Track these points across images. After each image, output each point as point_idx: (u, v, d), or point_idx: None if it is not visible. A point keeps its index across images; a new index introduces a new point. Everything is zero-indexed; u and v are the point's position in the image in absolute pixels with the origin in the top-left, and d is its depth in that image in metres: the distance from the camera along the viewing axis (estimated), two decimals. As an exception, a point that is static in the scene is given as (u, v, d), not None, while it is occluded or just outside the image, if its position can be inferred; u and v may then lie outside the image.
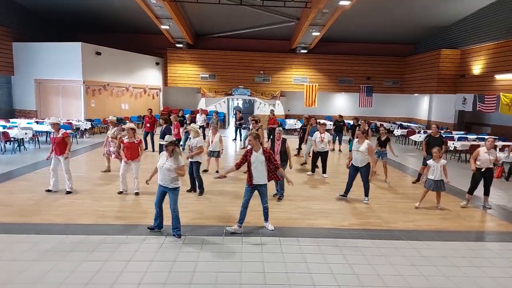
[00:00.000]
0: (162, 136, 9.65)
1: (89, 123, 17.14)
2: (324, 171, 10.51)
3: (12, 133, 12.60)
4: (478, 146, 13.20)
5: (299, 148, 13.85)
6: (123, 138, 8.21)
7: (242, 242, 5.66)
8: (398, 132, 18.88)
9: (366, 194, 8.00)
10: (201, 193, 8.23)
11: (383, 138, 10.01)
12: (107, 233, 5.87)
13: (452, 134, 16.84)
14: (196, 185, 8.28)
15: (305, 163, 11.88)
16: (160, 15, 17.19)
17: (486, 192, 7.92)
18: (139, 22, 20.45)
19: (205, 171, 10.11)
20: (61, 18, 20.62)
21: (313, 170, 10.69)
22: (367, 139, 7.95)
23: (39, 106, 18.43)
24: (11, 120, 16.02)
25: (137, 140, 8.02)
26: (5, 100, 18.57)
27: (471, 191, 7.94)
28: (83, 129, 16.57)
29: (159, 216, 5.91)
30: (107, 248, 5.31)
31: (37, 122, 15.55)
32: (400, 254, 5.41)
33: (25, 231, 5.84)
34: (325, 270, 4.85)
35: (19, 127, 13.63)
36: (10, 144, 12.89)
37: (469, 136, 15.66)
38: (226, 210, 7.18)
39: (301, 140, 13.44)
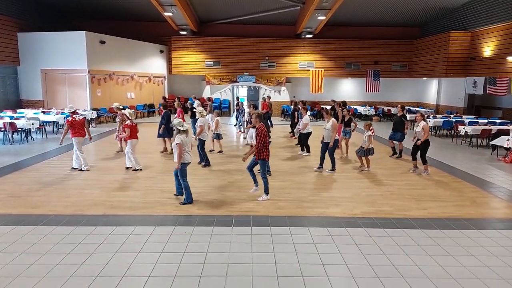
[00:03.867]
0: (161, 122, 10.94)
1: (95, 112, 17.08)
2: (302, 149, 11.70)
3: (19, 123, 12.58)
4: (490, 130, 12.99)
5: (292, 132, 14.83)
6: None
7: (251, 233, 5.57)
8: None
9: (332, 167, 9.30)
10: (205, 165, 9.70)
11: (346, 119, 11.22)
12: (116, 224, 5.82)
13: (462, 118, 16.51)
14: (204, 161, 9.71)
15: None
16: (163, 1, 16.88)
17: (422, 160, 9.19)
18: (142, 9, 20.14)
19: (220, 151, 11.54)
20: (64, 6, 20.38)
21: (303, 149, 11.66)
22: (332, 117, 9.33)
23: (46, 96, 18.37)
24: (18, 110, 16.00)
25: (125, 124, 9.18)
26: (12, 90, 18.52)
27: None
28: (89, 119, 16.52)
29: (178, 185, 7.04)
30: (116, 240, 5.26)
31: (43, 112, 15.53)
32: (415, 243, 5.28)
33: (33, 222, 5.82)
34: (338, 261, 4.75)
35: (26, 118, 13.61)
36: (17, 134, 12.90)
37: (480, 120, 15.35)
38: (233, 199, 7.10)
39: (293, 124, 14.51)
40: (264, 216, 6.22)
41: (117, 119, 11.09)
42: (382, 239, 5.39)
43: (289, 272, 4.47)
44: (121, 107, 11.06)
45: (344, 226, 5.87)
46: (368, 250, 5.06)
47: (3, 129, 12.38)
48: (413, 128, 9.82)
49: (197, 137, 9.41)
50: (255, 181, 7.23)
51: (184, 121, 7.15)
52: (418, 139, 9.08)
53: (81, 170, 9.04)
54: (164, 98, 14.81)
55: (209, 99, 17.14)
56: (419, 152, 9.21)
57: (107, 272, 4.42)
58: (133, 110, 20.32)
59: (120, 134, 10.94)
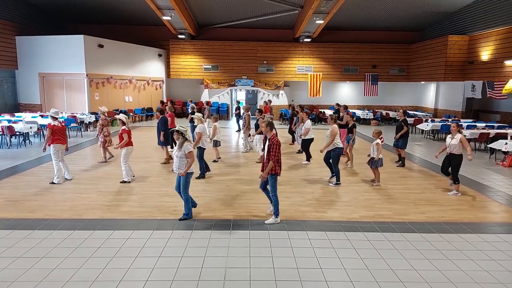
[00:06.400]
0: (159, 129, 10.28)
1: (93, 116, 17.06)
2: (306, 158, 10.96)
3: (17, 127, 12.55)
4: (488, 134, 13.03)
5: (293, 137, 14.22)
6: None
7: (249, 237, 5.55)
8: (405, 121, 18.53)
9: (337, 179, 8.43)
10: (200, 176, 8.83)
11: (350, 125, 10.47)
12: (113, 228, 5.80)
13: (460, 122, 16.55)
14: (204, 171, 8.99)
15: (301, 151, 11.91)
16: (161, 5, 16.93)
17: (453, 179, 7.95)
18: (140, 13, 20.20)
19: (214, 161, 10.75)
20: (62, 10, 20.40)
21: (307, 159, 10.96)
22: (336, 123, 8.62)
23: (44, 100, 18.35)
24: (16, 114, 15.98)
25: (123, 130, 8.42)
26: (9, 94, 18.51)
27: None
28: (87, 122, 16.51)
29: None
30: (114, 244, 5.23)
31: (41, 116, 15.50)
32: (413, 247, 5.27)
33: (30, 227, 5.79)
34: (336, 265, 4.74)
35: (24, 121, 13.59)
36: (15, 138, 12.88)
37: (478, 124, 15.39)
38: (232, 202, 7.09)
39: (291, 130, 13.98)
40: (262, 220, 6.19)
41: (99, 124, 10.36)
42: (381, 243, 5.38)
43: (287, 276, 4.45)
44: (106, 111, 10.64)
45: (342, 230, 5.85)
46: (367, 254, 5.05)
47: (1, 132, 12.34)
48: (446, 139, 8.13)
49: (196, 146, 8.55)
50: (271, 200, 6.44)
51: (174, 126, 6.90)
52: (452, 154, 7.79)
53: (52, 183, 8.16)
54: (161, 102, 14.20)
55: (207, 103, 17.00)
56: (450, 168, 7.94)
57: (105, 276, 4.39)
58: (131, 113, 20.48)
59: (103, 140, 10.25)
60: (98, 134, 10.47)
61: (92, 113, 17.57)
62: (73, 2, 19.02)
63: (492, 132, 13.26)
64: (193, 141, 8.73)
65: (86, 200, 7.15)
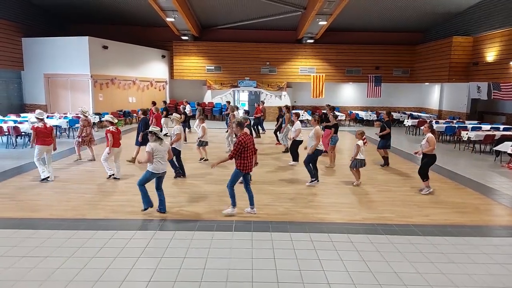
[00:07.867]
0: (139, 129, 10.38)
1: (98, 116, 17.12)
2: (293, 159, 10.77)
3: (23, 127, 12.63)
4: (493, 136, 12.94)
5: (277, 138, 14.24)
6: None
7: (252, 238, 5.54)
8: (408, 122, 18.50)
9: (311, 176, 8.50)
10: (183, 175, 9.03)
11: (331, 124, 10.58)
12: (116, 228, 5.81)
13: (465, 123, 16.45)
14: (179, 170, 9.01)
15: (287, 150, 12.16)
16: (165, 7, 17.00)
17: (420, 176, 8.10)
18: (144, 14, 20.28)
19: (202, 159, 10.92)
20: (67, 12, 20.53)
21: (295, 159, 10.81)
22: (319, 124, 8.59)
23: (49, 101, 18.47)
24: (22, 114, 16.07)
25: (107, 130, 8.65)
26: (15, 95, 18.63)
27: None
28: (92, 123, 16.53)
29: (158, 197, 6.57)
30: (116, 244, 5.24)
31: (47, 117, 15.54)
32: (417, 250, 5.24)
33: (34, 226, 5.82)
34: (339, 268, 4.72)
35: (29, 122, 13.63)
36: (21, 138, 12.95)
37: (483, 126, 15.29)
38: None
39: (278, 129, 13.90)
40: (265, 221, 6.19)
41: (80, 124, 10.49)
42: (384, 246, 5.35)
43: (289, 278, 4.43)
44: (86, 110, 10.71)
45: (345, 232, 5.83)
46: (370, 256, 5.02)
47: (7, 133, 12.43)
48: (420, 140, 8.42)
49: (171, 146, 8.39)
50: (251, 203, 6.60)
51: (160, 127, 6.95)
52: (425, 154, 7.92)
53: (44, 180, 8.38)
54: (153, 102, 13.99)
55: (198, 104, 16.93)
56: (420, 167, 8.11)
57: (107, 276, 4.40)
58: (134, 114, 20.52)
59: (81, 141, 10.40)
60: (79, 135, 10.51)
61: (96, 113, 17.64)
62: (78, 4, 19.13)
63: (498, 134, 13.17)
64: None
65: (90, 200, 7.18)
